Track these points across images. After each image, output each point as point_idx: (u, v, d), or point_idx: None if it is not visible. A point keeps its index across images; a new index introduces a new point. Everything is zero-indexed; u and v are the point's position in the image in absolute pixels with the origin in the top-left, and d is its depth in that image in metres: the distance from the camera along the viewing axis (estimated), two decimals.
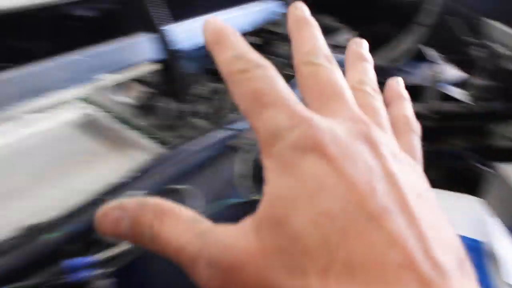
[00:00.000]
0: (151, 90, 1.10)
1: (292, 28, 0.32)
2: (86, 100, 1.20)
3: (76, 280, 0.44)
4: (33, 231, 0.46)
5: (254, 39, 1.19)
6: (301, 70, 0.30)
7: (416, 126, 0.33)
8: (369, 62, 0.34)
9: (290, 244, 0.22)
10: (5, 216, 0.74)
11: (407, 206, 0.23)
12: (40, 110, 1.17)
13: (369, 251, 0.21)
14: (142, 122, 1.09)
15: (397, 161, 0.26)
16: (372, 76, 0.33)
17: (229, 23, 0.71)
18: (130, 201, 0.26)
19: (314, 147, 0.24)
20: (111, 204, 0.27)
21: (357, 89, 0.31)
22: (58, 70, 0.76)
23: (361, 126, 0.27)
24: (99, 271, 0.46)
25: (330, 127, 0.25)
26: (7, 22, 0.69)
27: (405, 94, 0.35)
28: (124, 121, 1.10)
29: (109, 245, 0.50)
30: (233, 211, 0.59)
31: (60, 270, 0.44)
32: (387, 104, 0.34)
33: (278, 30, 1.17)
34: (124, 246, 0.49)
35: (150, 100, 1.08)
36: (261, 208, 0.25)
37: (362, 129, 0.26)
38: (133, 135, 1.06)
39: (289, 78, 1.03)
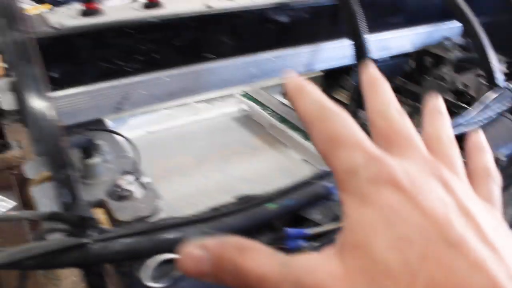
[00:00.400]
0: None
1: (366, 85, 0.34)
2: (246, 96, 1.28)
3: (291, 248, 0.49)
4: (251, 200, 0.51)
5: (416, 60, 1.20)
6: (374, 120, 0.32)
7: (497, 176, 0.33)
8: (445, 116, 0.35)
9: (372, 266, 0.24)
10: (177, 190, 0.81)
11: (485, 235, 0.24)
12: (208, 101, 1.28)
13: (452, 275, 0.22)
14: (299, 123, 1.14)
15: (471, 200, 0.27)
16: (448, 128, 0.34)
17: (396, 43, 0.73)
18: (211, 241, 0.28)
19: (389, 181, 0.26)
20: (192, 245, 0.29)
21: (433, 139, 0.33)
22: (251, 66, 0.84)
23: (432, 167, 0.28)
24: (310, 244, 0.49)
25: (403, 165, 0.27)
26: (214, 21, 0.77)
27: (487, 147, 0.36)
28: (283, 120, 1.16)
29: (316, 223, 0.53)
30: None
31: (282, 235, 0.48)
32: (467, 155, 0.35)
33: (441, 53, 1.17)
34: (331, 225, 0.52)
35: None
36: (343, 236, 0.27)
37: (433, 169, 0.28)
38: (293, 134, 1.12)
39: (448, 103, 1.02)
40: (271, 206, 0.48)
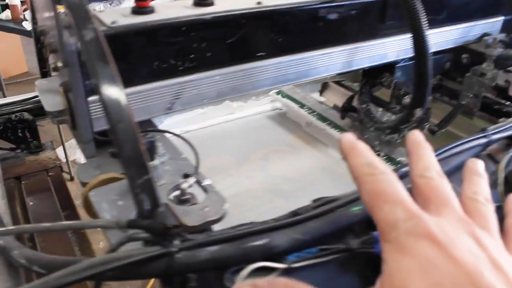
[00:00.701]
0: (351, 93, 1.12)
1: (410, 149, 0.38)
2: (281, 94, 1.25)
3: (378, 252, 0.46)
4: (329, 203, 0.48)
5: (455, 56, 1.16)
6: (416, 181, 0.36)
7: None
8: (484, 178, 0.39)
9: None
10: (220, 191, 0.79)
11: None
12: (242, 99, 1.25)
13: None
14: (339, 121, 1.12)
15: (501, 254, 0.30)
16: (485, 189, 0.38)
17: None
18: (261, 280, 0.33)
19: (425, 235, 0.30)
20: (244, 283, 0.33)
21: (470, 198, 0.36)
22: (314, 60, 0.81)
23: (465, 225, 0.32)
24: None
25: (438, 221, 0.31)
26: (265, 18, 0.75)
27: None
28: (321, 118, 1.14)
29: None
30: None
31: (370, 239, 0.46)
32: (505, 214, 0.39)
33: (481, 50, 1.13)
34: None
35: (350, 102, 1.10)
36: (382, 280, 0.31)
37: (466, 227, 0.31)
38: (333, 132, 1.09)
39: (488, 100, 0.98)
40: (356, 209, 0.46)
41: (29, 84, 3.90)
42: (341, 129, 1.09)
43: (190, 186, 0.60)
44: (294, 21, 0.79)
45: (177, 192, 0.60)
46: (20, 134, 1.07)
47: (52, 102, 0.81)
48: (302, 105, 1.19)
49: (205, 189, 0.61)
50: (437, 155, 0.59)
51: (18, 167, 1.05)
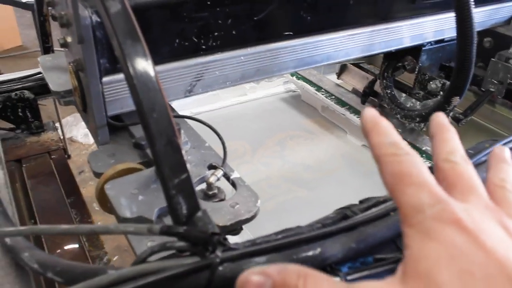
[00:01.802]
0: (371, 76, 1.06)
1: (435, 131, 0.36)
2: (296, 76, 1.19)
3: None
4: (378, 204, 0.43)
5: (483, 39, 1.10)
6: (441, 165, 0.34)
7: None
8: (510, 164, 0.37)
9: None
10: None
11: None
12: (255, 81, 1.19)
13: None
14: (358, 106, 1.06)
15: None
16: (511, 176, 0.36)
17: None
18: (271, 267, 0.30)
19: (453, 221, 0.28)
20: (253, 270, 0.30)
21: (497, 186, 0.35)
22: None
23: (493, 213, 0.30)
24: None
25: (466, 208, 0.29)
26: None
27: None
28: (339, 102, 1.08)
29: None
30: None
31: None
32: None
33: (509, 33, 1.07)
34: None
35: (372, 87, 1.04)
36: (405, 266, 0.29)
37: (494, 214, 0.30)
38: (351, 117, 1.03)
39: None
40: None
41: (23, 58, 3.78)
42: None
43: (218, 179, 0.54)
44: None
45: (203, 186, 0.54)
46: (20, 114, 1.00)
47: (59, 81, 0.75)
48: (318, 88, 1.13)
49: (234, 183, 0.55)
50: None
51: (18, 149, 0.99)
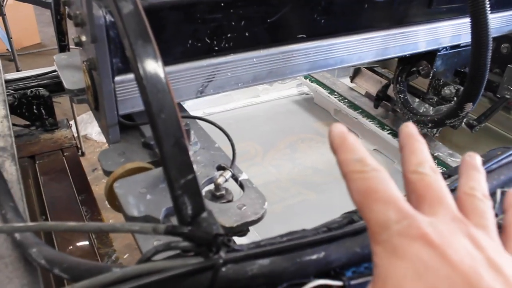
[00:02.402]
0: (385, 81, 1.05)
1: (403, 143, 0.36)
2: (309, 78, 1.19)
3: None
4: None
5: (494, 45, 1.09)
6: (410, 177, 0.33)
7: None
8: (481, 173, 0.36)
9: None
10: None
11: None
12: (268, 82, 1.19)
13: None
14: (372, 110, 1.05)
15: (499, 255, 0.28)
16: (483, 184, 0.35)
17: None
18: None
19: (419, 236, 0.28)
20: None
21: (467, 194, 0.34)
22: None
23: (460, 225, 0.30)
24: None
25: (432, 222, 0.29)
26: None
27: None
28: (352, 105, 1.07)
29: None
30: None
31: None
32: (504, 210, 0.37)
33: None
34: None
35: (385, 91, 1.04)
36: (374, 285, 0.29)
37: (461, 226, 0.30)
38: (364, 121, 1.03)
39: None
40: None
41: (41, 55, 3.84)
42: (374, 119, 1.02)
43: (226, 180, 0.54)
44: (338, 2, 0.72)
45: (210, 186, 0.54)
46: (35, 111, 1.01)
47: (73, 79, 0.76)
48: (331, 91, 1.12)
49: (242, 185, 0.55)
50: (502, 159, 0.53)
51: (32, 145, 1.00)
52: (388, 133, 0.99)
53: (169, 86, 0.38)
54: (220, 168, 0.56)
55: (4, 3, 2.77)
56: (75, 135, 2.77)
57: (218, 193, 0.53)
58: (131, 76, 0.61)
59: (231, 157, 0.60)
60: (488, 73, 1.13)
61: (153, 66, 0.38)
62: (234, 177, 0.55)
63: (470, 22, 0.68)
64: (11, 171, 0.64)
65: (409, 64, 1.02)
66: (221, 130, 0.61)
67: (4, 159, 0.67)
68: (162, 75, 0.38)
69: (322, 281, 0.37)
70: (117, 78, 0.60)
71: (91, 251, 0.76)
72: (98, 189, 1.99)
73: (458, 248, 0.28)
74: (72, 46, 0.93)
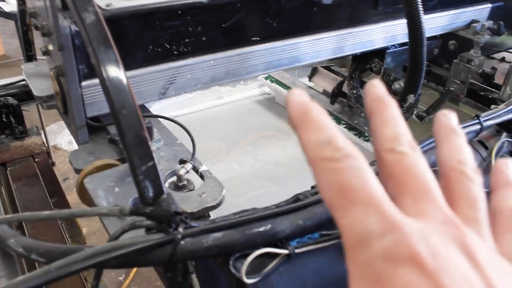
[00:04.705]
0: (340, 78, 1.12)
1: (371, 109, 0.29)
2: (270, 79, 1.25)
3: None
4: None
5: (443, 42, 1.17)
6: (384, 157, 0.27)
7: None
8: (462, 137, 0.30)
9: None
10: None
11: None
12: (230, 84, 1.25)
13: None
14: (329, 106, 1.12)
15: (497, 271, 0.24)
16: (469, 154, 0.29)
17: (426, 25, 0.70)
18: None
19: (409, 258, 0.22)
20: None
21: (455, 170, 0.29)
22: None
23: (454, 231, 0.24)
24: None
25: (423, 233, 0.23)
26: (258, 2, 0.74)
27: None
28: None
29: None
30: None
31: None
32: (492, 188, 0.31)
33: (470, 36, 1.14)
34: None
35: (340, 88, 1.11)
36: None
37: (455, 234, 0.24)
38: None
39: (475, 86, 0.99)
40: None
41: (6, 67, 3.80)
42: (331, 115, 1.09)
43: (187, 172, 0.59)
44: (289, 6, 0.79)
45: (173, 178, 0.59)
46: (4, 119, 1.05)
47: (41, 87, 0.80)
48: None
49: (202, 175, 0.60)
50: (429, 143, 0.59)
51: (3, 153, 1.03)
52: (344, 127, 1.06)
53: (129, 86, 0.43)
54: (182, 161, 0.61)
55: None
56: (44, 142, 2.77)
57: (180, 184, 0.58)
58: (96, 81, 0.65)
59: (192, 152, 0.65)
60: (438, 69, 1.22)
61: (114, 69, 0.43)
62: (195, 169, 0.61)
63: (406, 20, 0.75)
64: None
65: (362, 62, 1.10)
66: (182, 126, 0.66)
67: None
68: (122, 76, 0.43)
69: (269, 249, 0.42)
70: (84, 83, 0.65)
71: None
72: (70, 198, 2.01)
73: (454, 273, 0.23)
74: (39, 56, 0.97)
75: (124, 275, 1.93)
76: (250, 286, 0.42)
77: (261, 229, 0.43)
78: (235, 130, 1.10)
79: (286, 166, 0.98)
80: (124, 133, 0.42)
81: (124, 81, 0.43)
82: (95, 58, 0.43)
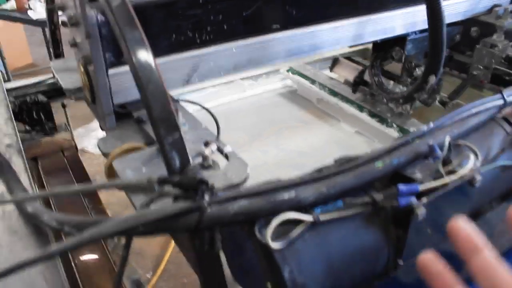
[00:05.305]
0: (361, 67, 1.13)
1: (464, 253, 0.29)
2: (292, 71, 1.26)
3: (402, 205, 0.47)
4: (351, 162, 0.49)
5: (464, 29, 1.16)
6: None
7: None
8: (494, 259, 0.29)
9: None
10: None
11: None
12: (253, 78, 1.26)
13: None
14: (350, 95, 1.12)
15: None
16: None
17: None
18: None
19: None
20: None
21: None
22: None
23: None
24: (420, 200, 0.48)
25: None
26: None
27: None
28: (333, 93, 1.14)
29: (416, 181, 0.51)
30: (503, 173, 0.59)
31: (394, 192, 0.47)
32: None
33: (492, 21, 1.13)
34: (438, 182, 0.50)
35: (361, 76, 1.11)
36: None
37: None
38: (344, 106, 1.10)
39: (499, 71, 0.98)
40: (378, 165, 0.46)
41: (34, 75, 3.90)
42: (353, 103, 1.09)
43: (212, 152, 0.61)
44: None
45: (199, 159, 0.61)
46: (35, 116, 1.08)
47: (70, 80, 0.83)
48: (312, 81, 1.19)
49: (227, 156, 0.62)
50: (455, 116, 0.60)
51: (34, 148, 1.07)
52: (367, 115, 1.06)
53: (155, 62, 0.45)
54: (207, 143, 0.63)
55: None
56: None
57: (206, 164, 0.60)
58: (123, 69, 0.68)
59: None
60: (460, 56, 1.21)
61: (140, 47, 0.45)
62: (220, 150, 0.62)
63: (425, 4, 0.75)
64: (18, 163, 0.70)
65: (382, 50, 1.10)
66: (207, 110, 0.68)
67: (11, 154, 0.73)
68: (148, 53, 0.45)
69: (293, 213, 0.43)
70: (110, 71, 0.67)
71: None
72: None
73: None
74: (66, 52, 1.00)
75: (151, 272, 1.96)
76: (276, 252, 0.43)
77: (286, 196, 0.44)
78: (258, 122, 1.11)
79: (309, 155, 0.99)
80: (151, 106, 0.43)
81: (150, 57, 0.45)
82: (121, 37, 0.45)
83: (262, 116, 1.15)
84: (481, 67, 1.12)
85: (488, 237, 0.30)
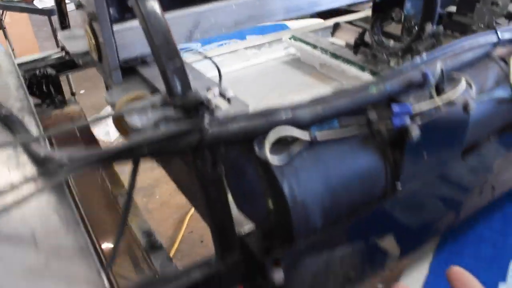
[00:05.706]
0: (360, 30, 1.14)
1: None
2: (294, 38, 1.27)
3: (396, 125, 0.49)
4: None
5: None
6: None
7: None
8: None
9: None
10: None
11: None
12: (256, 47, 1.28)
13: None
14: (352, 57, 1.14)
15: None
16: None
17: None
18: None
19: None
20: None
21: None
22: None
23: None
24: (414, 120, 0.49)
25: None
26: None
27: None
28: (334, 56, 1.16)
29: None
30: (499, 107, 0.61)
31: (389, 113, 0.49)
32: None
33: None
34: (430, 104, 0.52)
35: (362, 38, 1.12)
36: None
37: None
38: (346, 68, 1.11)
39: None
40: (372, 90, 0.48)
41: None
42: (355, 64, 1.11)
43: (215, 96, 0.63)
44: None
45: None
46: (44, 89, 1.11)
47: (76, 47, 0.86)
48: (314, 47, 1.21)
49: (229, 100, 0.64)
50: (447, 48, 0.61)
51: (45, 120, 1.10)
52: (369, 74, 1.07)
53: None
54: (209, 88, 0.65)
55: (3, 16, 2.88)
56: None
57: (210, 107, 0.62)
58: (126, 24, 0.70)
59: None
60: (461, 17, 1.21)
61: None
62: (222, 94, 0.64)
63: None
64: (31, 123, 0.73)
65: (382, 11, 1.11)
66: (206, 57, 0.70)
67: (23, 116, 0.76)
68: None
69: (290, 128, 0.45)
70: (115, 27, 0.69)
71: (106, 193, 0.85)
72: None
73: None
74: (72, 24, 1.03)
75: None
76: (275, 168, 0.45)
77: (283, 116, 0.46)
78: (262, 88, 1.13)
79: None
80: (153, 36, 0.46)
81: None
82: None
83: (267, 82, 1.17)
84: (482, 26, 1.12)
85: (488, 171, 0.32)
